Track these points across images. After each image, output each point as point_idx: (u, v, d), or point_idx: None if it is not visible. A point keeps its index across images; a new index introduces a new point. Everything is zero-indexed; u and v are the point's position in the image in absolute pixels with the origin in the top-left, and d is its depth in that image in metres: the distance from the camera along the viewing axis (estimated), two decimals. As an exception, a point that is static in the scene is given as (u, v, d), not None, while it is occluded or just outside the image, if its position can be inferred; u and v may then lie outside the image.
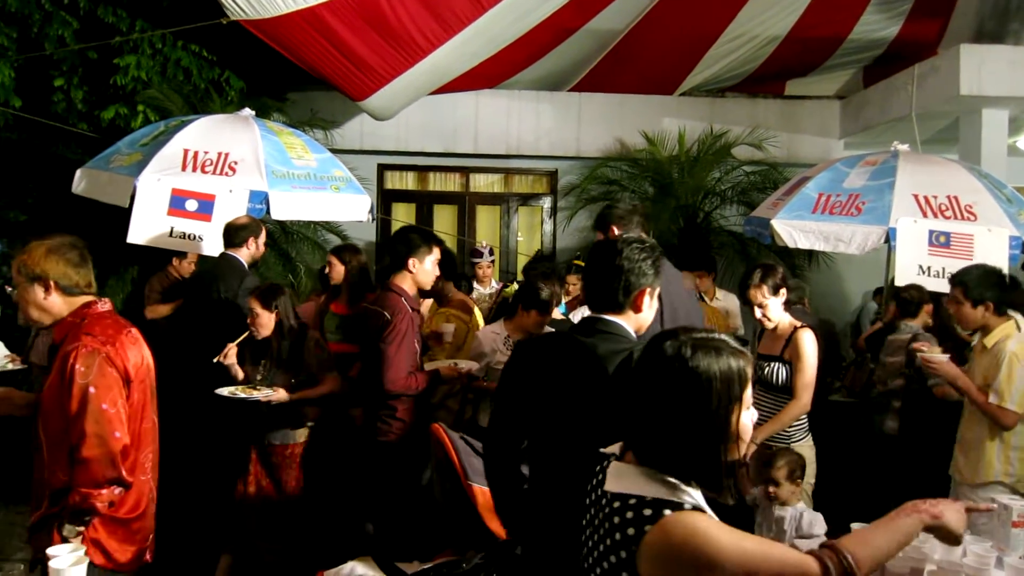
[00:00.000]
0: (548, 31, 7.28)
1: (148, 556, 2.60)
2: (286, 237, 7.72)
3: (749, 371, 1.52)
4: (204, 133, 5.13)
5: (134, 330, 2.55)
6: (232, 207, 4.83)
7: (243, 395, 3.67)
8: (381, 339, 3.55)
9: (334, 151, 6.20)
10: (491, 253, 6.74)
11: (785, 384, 3.64)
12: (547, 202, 9.22)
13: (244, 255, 4.54)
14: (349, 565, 2.54)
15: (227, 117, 5.53)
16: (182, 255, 5.75)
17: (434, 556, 2.56)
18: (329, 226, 7.89)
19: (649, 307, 2.27)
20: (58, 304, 2.43)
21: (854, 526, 2.98)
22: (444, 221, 9.12)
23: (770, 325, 3.74)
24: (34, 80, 7.11)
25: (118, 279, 7.18)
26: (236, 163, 4.99)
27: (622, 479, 1.53)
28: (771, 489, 3.27)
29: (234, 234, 4.53)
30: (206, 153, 4.99)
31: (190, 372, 4.09)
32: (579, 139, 8.79)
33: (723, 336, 1.55)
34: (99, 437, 2.28)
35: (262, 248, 4.60)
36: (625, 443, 1.60)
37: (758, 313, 3.70)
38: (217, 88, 7.38)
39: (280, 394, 3.73)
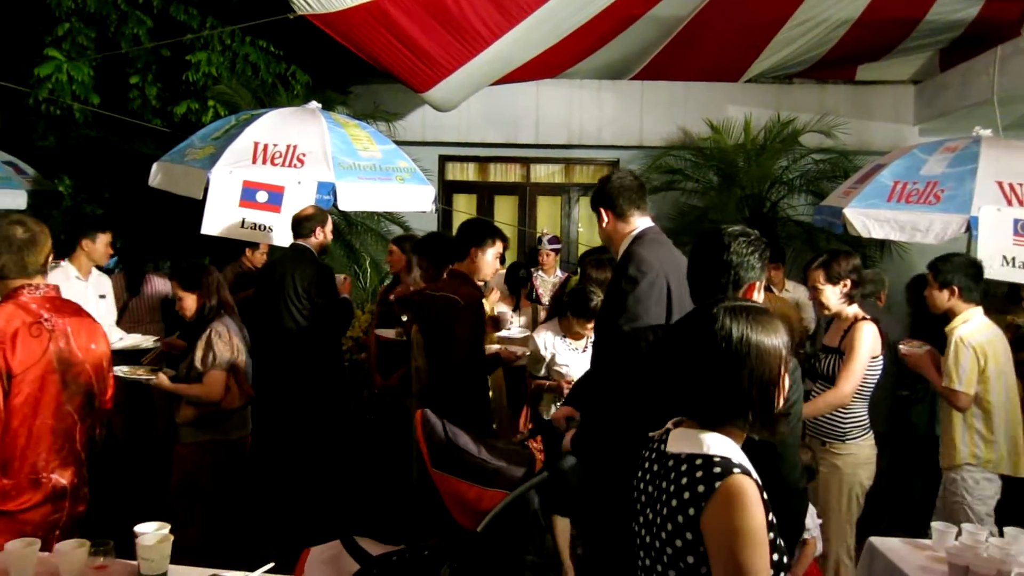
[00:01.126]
0: (611, 19, 7.20)
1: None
2: (350, 228, 7.83)
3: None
4: (273, 126, 5.23)
5: (63, 322, 2.49)
6: (301, 198, 4.92)
7: (122, 375, 3.59)
8: (454, 322, 3.60)
9: (397, 143, 6.26)
10: (555, 241, 6.71)
11: (835, 375, 3.55)
12: (608, 192, 9.12)
13: (313, 244, 4.66)
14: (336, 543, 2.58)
15: (295, 110, 5.63)
16: (254, 246, 5.88)
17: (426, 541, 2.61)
18: (392, 217, 7.98)
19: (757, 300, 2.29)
20: None
21: (935, 526, 2.89)
22: (505, 212, 9.13)
23: (826, 311, 3.67)
24: (111, 78, 7.35)
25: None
26: (304, 155, 5.07)
27: (686, 441, 1.60)
28: None
29: (302, 224, 4.66)
30: (275, 146, 5.08)
31: (264, 358, 4.20)
32: (642, 128, 8.68)
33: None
34: None
35: (329, 237, 4.70)
36: (685, 412, 1.66)
37: (811, 295, 3.71)
38: (284, 82, 7.52)
39: (161, 379, 3.57)
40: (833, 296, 3.54)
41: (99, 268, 5.27)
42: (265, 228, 4.94)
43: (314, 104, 5.70)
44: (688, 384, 1.63)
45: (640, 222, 2.88)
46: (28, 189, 6.45)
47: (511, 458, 2.76)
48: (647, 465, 1.71)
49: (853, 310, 3.59)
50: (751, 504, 1.49)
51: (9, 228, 2.44)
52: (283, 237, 4.89)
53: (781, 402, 1.62)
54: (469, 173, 9.26)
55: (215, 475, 3.57)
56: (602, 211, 2.91)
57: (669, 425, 1.70)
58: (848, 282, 3.51)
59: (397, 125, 8.22)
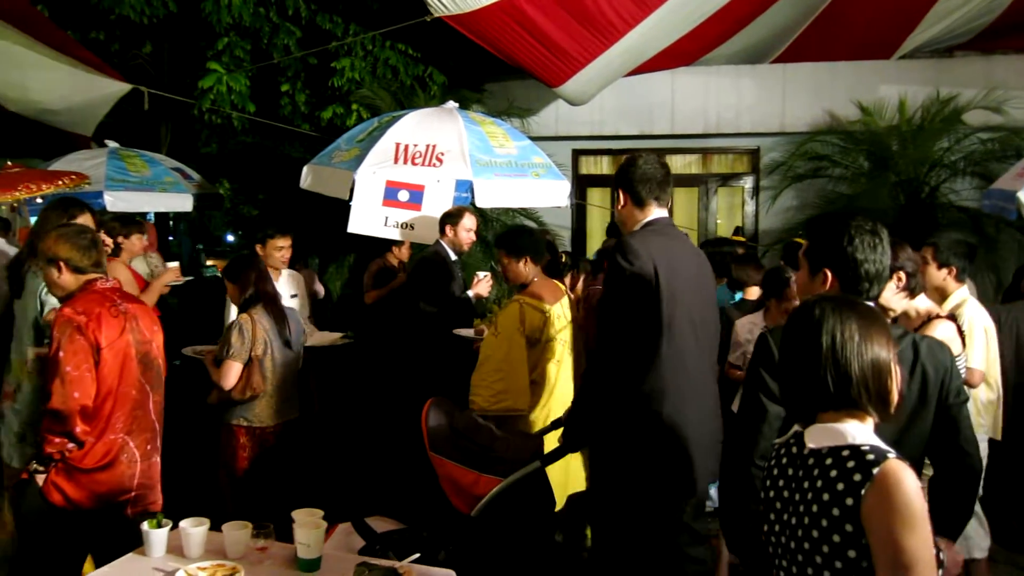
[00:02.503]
0: (750, 1, 6.92)
1: (129, 510, 2.83)
2: (486, 224, 7.95)
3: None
4: (413, 127, 5.38)
5: (131, 307, 2.86)
6: (440, 196, 5.04)
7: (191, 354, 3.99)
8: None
9: (531, 139, 6.30)
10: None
11: None
12: (749, 182, 8.81)
13: (445, 242, 4.76)
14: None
15: (433, 110, 5.77)
16: (398, 243, 6.10)
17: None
18: (527, 212, 8.03)
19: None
20: (69, 281, 2.78)
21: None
22: (640, 204, 8.99)
23: (891, 313, 3.36)
24: (265, 87, 7.84)
25: (338, 267, 7.77)
26: (443, 154, 5.19)
27: (826, 436, 1.58)
28: None
29: (436, 224, 4.80)
30: (415, 146, 5.23)
31: (405, 350, 4.37)
32: (784, 113, 8.30)
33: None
34: (60, 395, 2.60)
35: (464, 236, 4.76)
36: (823, 406, 1.62)
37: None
38: (421, 84, 7.75)
39: (206, 359, 3.80)
40: (889, 295, 2.84)
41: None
42: (407, 226, 5.10)
43: (451, 104, 5.82)
44: (802, 381, 1.63)
45: (656, 212, 2.82)
46: (194, 193, 6.97)
47: (517, 447, 2.81)
48: (778, 472, 1.69)
49: (925, 305, 3.15)
50: (912, 489, 1.46)
51: (77, 229, 2.88)
52: (424, 235, 5.03)
53: (894, 389, 1.60)
54: (603, 166, 9.19)
55: (242, 458, 3.65)
56: (621, 193, 2.83)
57: (797, 428, 1.69)
58: (902, 275, 2.89)
59: (530, 121, 8.27)
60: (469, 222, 4.75)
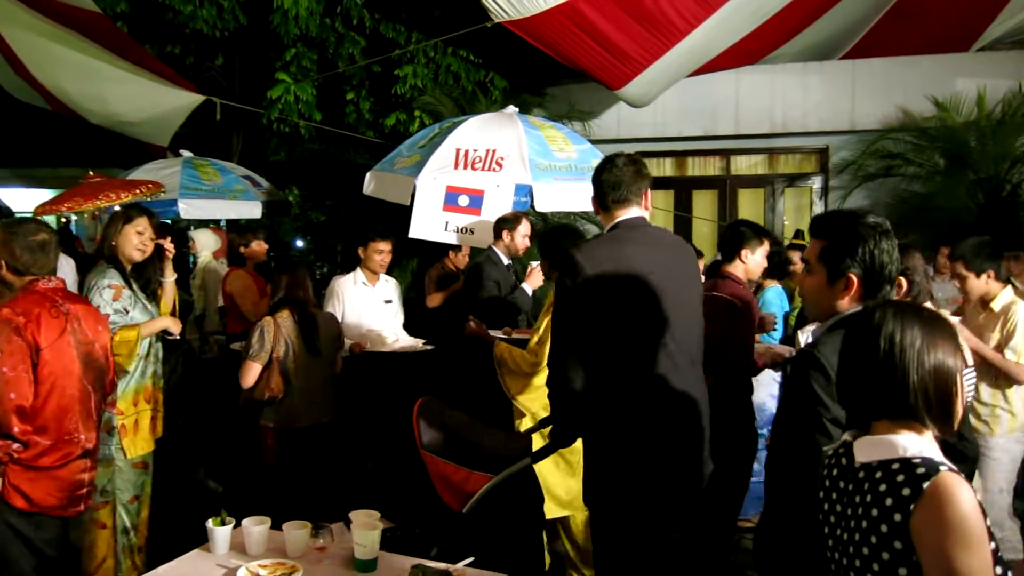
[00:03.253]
0: (817, -3, 6.76)
1: (83, 505, 2.92)
2: (545, 227, 7.96)
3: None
4: (473, 132, 5.43)
5: (74, 308, 2.90)
6: (500, 201, 5.07)
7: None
8: (734, 325, 3.67)
9: (592, 142, 6.27)
10: None
11: None
12: (817, 182, 8.58)
13: (500, 247, 4.78)
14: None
15: (493, 115, 5.81)
16: (457, 248, 6.15)
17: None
18: (589, 216, 8.00)
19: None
20: (12, 280, 2.85)
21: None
22: (704, 207, 8.86)
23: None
24: (330, 96, 8.02)
25: (401, 271, 7.87)
26: (503, 159, 5.21)
27: (877, 448, 1.52)
28: None
29: (491, 228, 4.84)
30: (475, 151, 5.28)
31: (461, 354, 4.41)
32: (853, 111, 8.06)
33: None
34: None
35: (519, 241, 4.77)
36: (878, 415, 1.56)
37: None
38: (482, 89, 7.80)
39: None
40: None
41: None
42: (466, 231, 5.15)
43: (511, 108, 5.85)
44: (857, 387, 1.58)
45: (626, 213, 2.66)
46: (263, 200, 7.18)
47: (507, 444, 2.81)
48: (829, 484, 1.63)
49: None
50: (965, 503, 1.38)
51: (31, 231, 2.89)
52: (483, 239, 5.06)
53: (959, 402, 1.51)
54: (666, 168, 9.08)
55: (271, 457, 3.76)
56: (593, 199, 2.78)
57: (846, 437, 1.62)
58: (903, 281, 2.91)
59: (592, 124, 8.24)
60: (526, 228, 4.77)
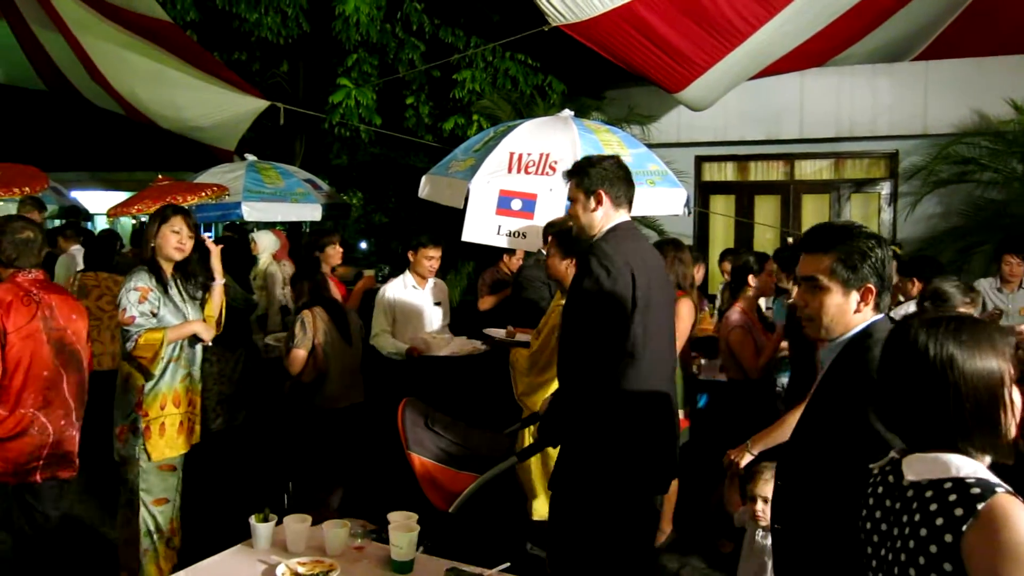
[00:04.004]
0: (887, -4, 6.55)
1: (38, 476, 3.17)
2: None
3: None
4: (527, 136, 5.41)
5: (48, 297, 3.19)
6: (552, 205, 5.04)
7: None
8: None
9: (651, 146, 6.19)
10: None
11: None
12: (886, 188, 8.29)
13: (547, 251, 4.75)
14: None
15: (548, 119, 5.78)
16: (511, 252, 6.15)
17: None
18: (646, 221, 7.91)
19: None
20: None
21: None
22: (766, 212, 8.66)
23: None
24: (390, 100, 8.14)
25: (456, 274, 7.92)
26: (556, 163, 5.18)
27: (927, 466, 1.45)
28: (758, 508, 2.73)
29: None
30: (529, 155, 5.26)
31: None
32: (925, 114, 7.76)
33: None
34: None
35: None
36: (926, 436, 1.48)
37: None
38: (541, 93, 7.80)
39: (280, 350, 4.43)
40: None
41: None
42: (519, 235, 5.13)
43: (567, 112, 5.82)
44: (897, 407, 1.51)
45: (625, 214, 2.75)
46: (323, 203, 7.31)
47: (488, 444, 2.82)
48: (873, 502, 1.57)
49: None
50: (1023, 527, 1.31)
51: (17, 229, 3.19)
52: (535, 243, 5.04)
53: (1011, 423, 1.42)
54: (727, 173, 8.91)
55: (315, 438, 4.17)
56: (601, 193, 2.69)
57: (894, 454, 1.55)
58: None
59: (651, 127, 8.15)
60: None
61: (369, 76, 7.74)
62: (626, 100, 8.20)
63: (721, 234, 8.76)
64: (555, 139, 5.36)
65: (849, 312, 1.89)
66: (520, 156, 5.27)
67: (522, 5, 6.41)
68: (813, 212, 8.55)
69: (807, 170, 8.62)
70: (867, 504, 1.59)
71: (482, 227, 5.18)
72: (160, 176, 6.64)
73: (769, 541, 2.59)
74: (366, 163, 9.89)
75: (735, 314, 4.40)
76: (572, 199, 2.77)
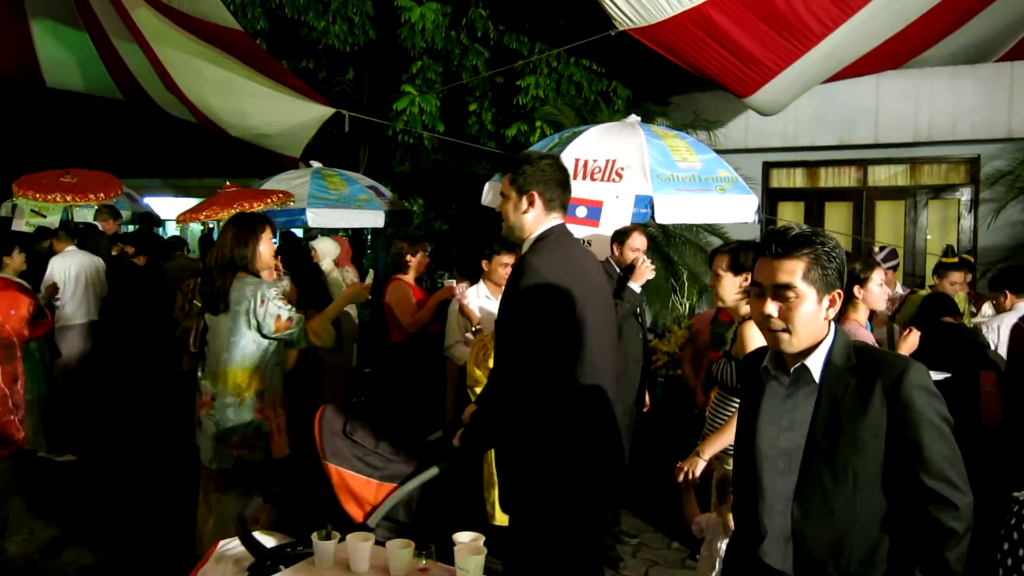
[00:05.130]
0: (971, -5, 6.25)
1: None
2: (667, 240, 7.74)
3: None
4: (593, 142, 5.33)
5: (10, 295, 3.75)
6: (619, 212, 4.94)
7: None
8: None
9: (718, 151, 6.03)
10: (891, 257, 6.01)
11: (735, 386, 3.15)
12: (966, 194, 7.92)
13: (614, 260, 4.66)
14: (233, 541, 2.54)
15: (614, 125, 5.69)
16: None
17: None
18: (712, 228, 7.73)
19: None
20: None
21: None
22: (837, 220, 8.36)
23: (719, 303, 3.38)
24: (454, 107, 8.13)
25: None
26: (623, 169, 5.09)
27: None
28: (729, 519, 2.60)
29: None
30: (595, 161, 5.17)
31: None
32: (1010, 118, 7.39)
33: None
34: None
35: (629, 255, 4.58)
36: None
37: (711, 282, 3.39)
38: (605, 99, 7.69)
39: None
40: (731, 287, 3.23)
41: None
42: (584, 243, 5.04)
43: (633, 117, 5.71)
44: None
45: (559, 217, 2.59)
46: (386, 210, 7.34)
47: (408, 454, 2.68)
48: (1019, 536, 1.48)
49: (746, 308, 3.21)
50: None
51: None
52: (601, 251, 4.94)
53: None
54: (796, 179, 8.64)
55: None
56: (535, 195, 2.53)
57: None
58: (749, 276, 3.02)
59: (718, 133, 7.95)
60: (637, 241, 4.57)
61: (433, 83, 7.74)
62: (692, 105, 8.03)
63: (790, 242, 8.50)
64: (622, 145, 5.26)
65: (819, 320, 1.80)
66: (586, 162, 5.19)
67: (588, 10, 6.32)
68: (887, 219, 8.23)
69: (881, 176, 8.30)
70: (1009, 538, 1.46)
71: (546, 235, 5.11)
72: (228, 183, 6.75)
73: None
74: (428, 170, 9.93)
75: (860, 331, 4.10)
76: (504, 195, 2.61)
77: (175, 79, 8.30)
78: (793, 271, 1.76)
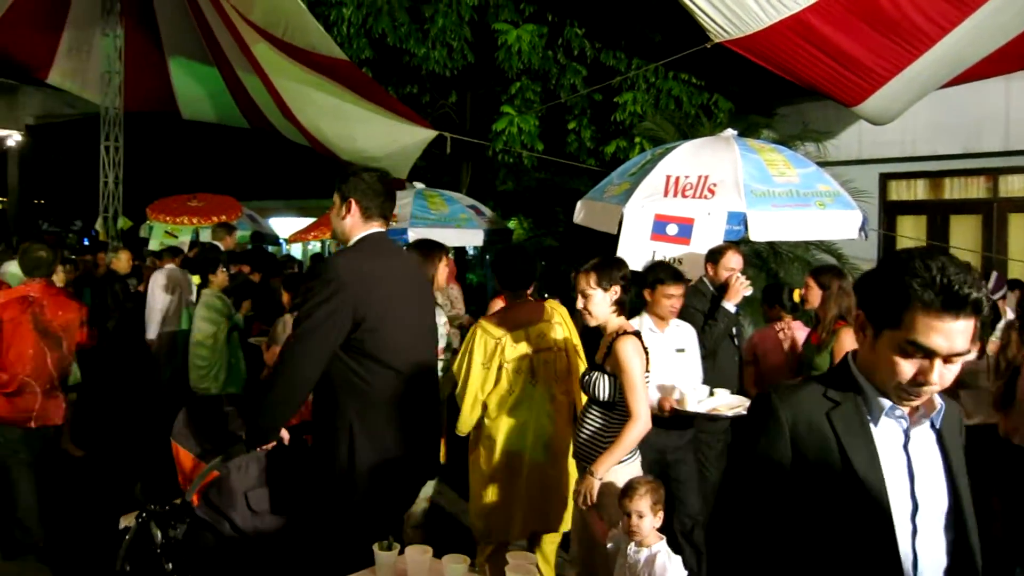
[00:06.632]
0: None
1: (32, 423, 4.21)
2: (775, 256, 7.45)
3: None
4: (686, 158, 5.22)
5: (40, 298, 4.22)
6: (711, 230, 4.80)
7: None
8: None
9: (828, 164, 5.79)
10: (999, 285, 5.55)
11: (610, 400, 3.06)
12: (1115, 204, 7.22)
13: (707, 279, 4.52)
14: None
15: (708, 140, 5.55)
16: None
17: None
18: (823, 245, 7.38)
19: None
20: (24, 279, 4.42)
21: None
22: (964, 234, 7.80)
23: (591, 321, 3.19)
24: (553, 125, 8.19)
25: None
26: (715, 185, 4.95)
27: None
28: (633, 523, 2.69)
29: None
30: (687, 177, 5.06)
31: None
32: None
33: None
34: None
35: (723, 274, 4.42)
36: None
37: (580, 303, 3.20)
38: (706, 112, 7.53)
39: None
40: (603, 304, 3.09)
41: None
42: (675, 261, 4.93)
43: (728, 132, 5.56)
44: None
45: (378, 226, 2.79)
46: (485, 228, 7.46)
47: (230, 438, 2.89)
48: None
49: (619, 321, 3.15)
50: None
51: (34, 250, 4.36)
52: (692, 270, 4.82)
53: None
54: (917, 191, 8.14)
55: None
56: (352, 203, 2.74)
57: None
58: (618, 288, 3.09)
59: (828, 144, 7.60)
60: (732, 260, 4.39)
61: (532, 103, 7.83)
62: (799, 116, 7.73)
63: (910, 258, 8.00)
64: (715, 160, 5.12)
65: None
66: (677, 179, 5.09)
67: (684, 23, 6.23)
68: (1021, 233, 7.60)
69: (1015, 186, 7.68)
70: None
71: (636, 253, 5.03)
72: (335, 205, 7.07)
73: (642, 555, 2.65)
74: (531, 188, 10.01)
75: None
76: (333, 203, 2.82)
77: (290, 107, 8.80)
78: (971, 333, 1.42)
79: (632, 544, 2.74)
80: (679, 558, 2.70)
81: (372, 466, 2.65)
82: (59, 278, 5.89)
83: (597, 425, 3.06)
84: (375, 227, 2.76)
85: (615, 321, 3.12)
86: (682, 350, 4.05)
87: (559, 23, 7.64)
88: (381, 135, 8.25)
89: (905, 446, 1.51)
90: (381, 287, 2.66)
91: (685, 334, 4.10)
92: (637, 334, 3.01)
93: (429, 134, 8.06)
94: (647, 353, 3.01)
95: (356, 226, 2.75)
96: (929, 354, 1.41)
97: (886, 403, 1.49)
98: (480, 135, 8.39)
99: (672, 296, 3.99)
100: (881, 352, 1.47)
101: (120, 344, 6.72)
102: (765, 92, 7.51)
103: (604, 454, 2.94)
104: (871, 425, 1.49)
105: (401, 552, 2.42)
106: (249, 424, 2.78)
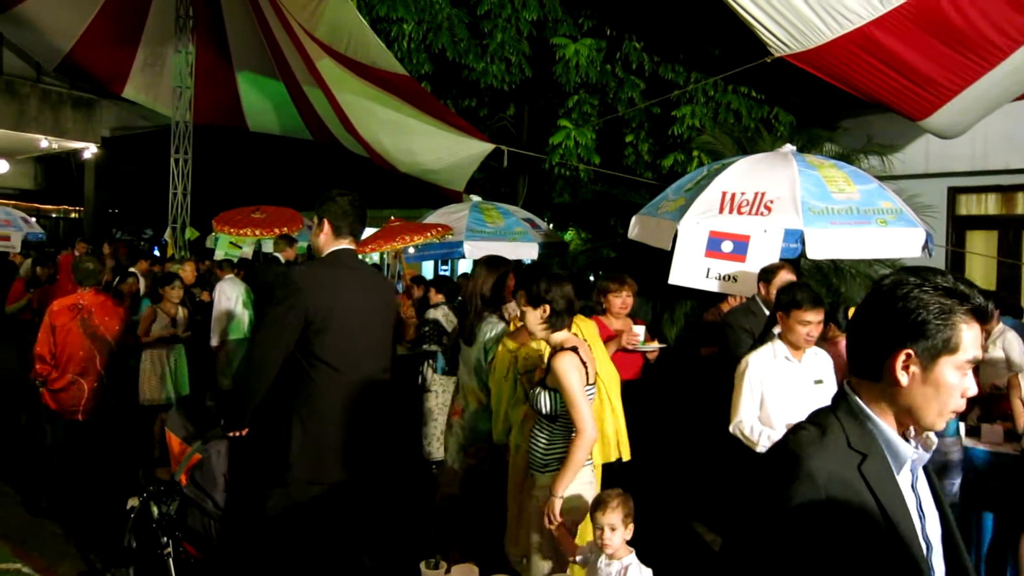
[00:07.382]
0: None
1: (79, 416, 4.69)
2: (837, 274, 7.28)
3: None
4: (742, 174, 5.15)
5: (88, 306, 4.70)
6: (766, 247, 4.73)
7: None
8: None
9: (893, 178, 5.64)
10: None
11: (552, 413, 3.07)
12: None
13: (759, 298, 4.45)
14: None
15: (766, 156, 5.47)
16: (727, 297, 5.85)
17: None
18: (888, 261, 7.18)
19: None
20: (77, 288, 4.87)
21: None
22: (1038, 250, 7.50)
23: (531, 336, 3.26)
24: (610, 139, 8.17)
25: (670, 315, 7.70)
26: (772, 202, 4.87)
27: None
28: (605, 536, 2.69)
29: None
30: (743, 194, 5.00)
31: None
32: None
33: None
34: (35, 346, 4.69)
35: (774, 294, 4.36)
36: None
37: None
38: (767, 126, 7.41)
39: None
40: (535, 320, 3.11)
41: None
42: (729, 278, 4.87)
43: (787, 147, 5.46)
44: None
45: (345, 243, 3.11)
46: (540, 241, 7.49)
47: (209, 423, 3.34)
48: None
49: (561, 337, 3.13)
50: None
51: (85, 262, 4.87)
52: (747, 287, 4.75)
53: None
54: (988, 206, 7.85)
55: None
56: (325, 222, 3.09)
57: None
58: (547, 307, 3.09)
59: (893, 158, 7.40)
60: (785, 280, 4.33)
61: (589, 116, 7.83)
62: (864, 129, 7.53)
63: (980, 276, 7.71)
64: (772, 177, 5.05)
65: None
66: (733, 195, 5.03)
67: (744, 37, 6.15)
68: (1103, 251, 7.28)
69: (1094, 202, 7.36)
70: None
71: (690, 269, 4.99)
72: (392, 217, 7.20)
73: (613, 568, 2.66)
74: (588, 200, 9.99)
75: None
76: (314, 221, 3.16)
77: (352, 120, 9.00)
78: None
79: (603, 557, 2.76)
80: (650, 570, 2.70)
81: (303, 449, 2.95)
82: (189, 275, 6.76)
83: (543, 436, 3.11)
84: (344, 243, 3.10)
85: (556, 337, 3.12)
86: (820, 381, 3.69)
87: (617, 37, 7.62)
88: (440, 148, 8.37)
89: (914, 485, 1.49)
90: (333, 295, 2.98)
91: (823, 363, 3.74)
92: (575, 349, 2.99)
93: (486, 147, 8.14)
94: (586, 367, 2.99)
95: (328, 242, 3.10)
96: (974, 364, 1.43)
97: (908, 450, 1.45)
98: (537, 148, 8.43)
99: (809, 324, 3.59)
100: (938, 383, 1.42)
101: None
102: (828, 104, 7.36)
103: (560, 473, 2.94)
104: (895, 474, 1.45)
105: (448, 571, 2.46)
106: (226, 411, 3.16)
